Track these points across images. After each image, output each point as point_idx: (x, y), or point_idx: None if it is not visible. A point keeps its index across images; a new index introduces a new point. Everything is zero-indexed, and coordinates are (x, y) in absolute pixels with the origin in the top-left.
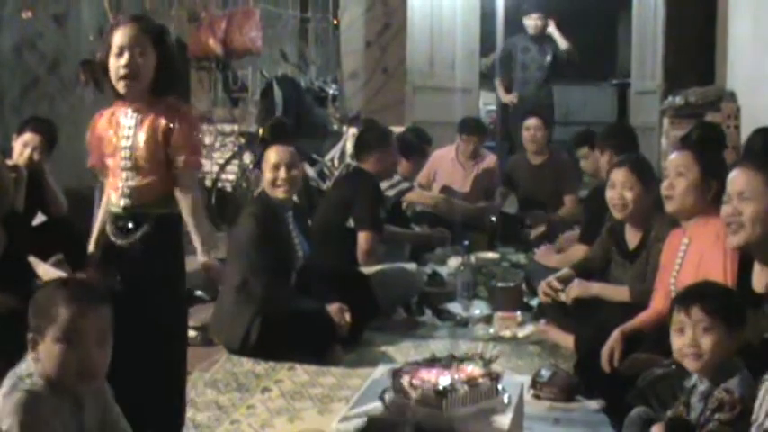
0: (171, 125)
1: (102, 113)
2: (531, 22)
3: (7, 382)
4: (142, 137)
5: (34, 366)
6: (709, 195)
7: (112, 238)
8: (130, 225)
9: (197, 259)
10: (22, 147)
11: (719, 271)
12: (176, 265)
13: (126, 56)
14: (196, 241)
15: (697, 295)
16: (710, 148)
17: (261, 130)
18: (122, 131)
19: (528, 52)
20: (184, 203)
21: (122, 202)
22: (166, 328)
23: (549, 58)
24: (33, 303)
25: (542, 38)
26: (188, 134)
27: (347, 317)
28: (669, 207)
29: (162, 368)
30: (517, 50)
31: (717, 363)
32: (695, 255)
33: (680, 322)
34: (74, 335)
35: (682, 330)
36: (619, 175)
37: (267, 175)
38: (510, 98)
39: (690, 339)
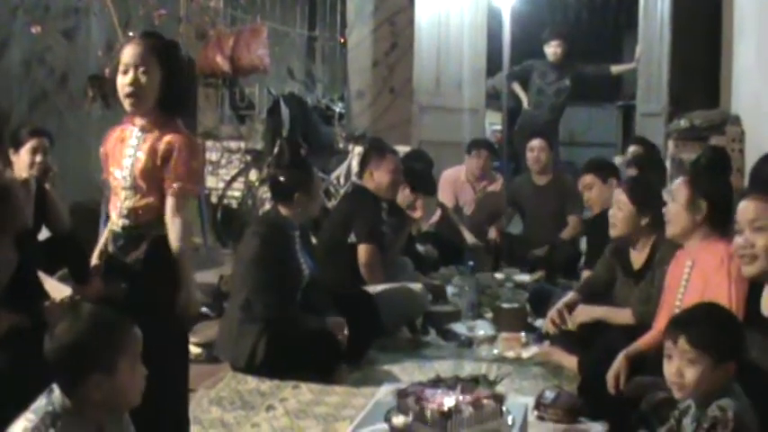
0: (171, 149)
1: (116, 129)
2: (551, 49)
3: (33, 417)
4: (141, 156)
5: (66, 401)
6: (700, 216)
7: (114, 256)
8: (129, 245)
9: (203, 276)
10: (32, 154)
11: (725, 296)
12: (173, 285)
13: (130, 74)
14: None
15: (686, 324)
16: (718, 172)
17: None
18: (126, 150)
19: (545, 77)
20: (172, 229)
21: (121, 222)
22: (164, 348)
23: (567, 83)
24: (74, 344)
25: (561, 65)
26: (187, 161)
27: (345, 331)
28: (667, 233)
29: (165, 386)
30: (536, 74)
31: (704, 390)
32: (699, 279)
33: (668, 349)
34: (140, 356)
35: (670, 357)
36: (616, 194)
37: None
38: (526, 99)
39: (675, 369)
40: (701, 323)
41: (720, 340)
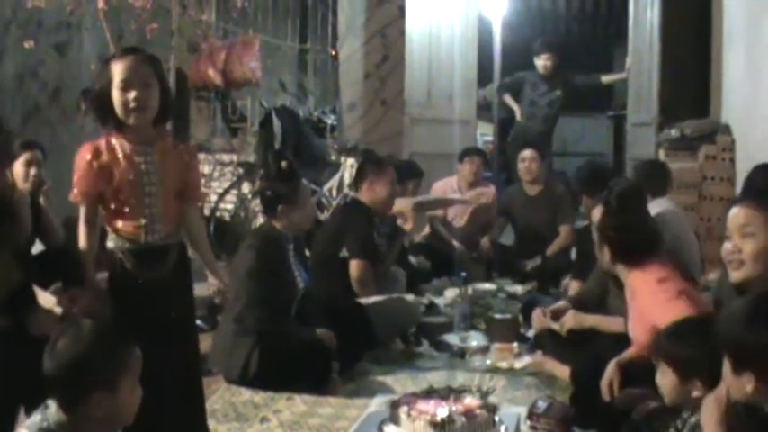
0: (187, 161)
1: (96, 145)
2: (541, 62)
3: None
4: (171, 173)
5: (62, 417)
6: (607, 257)
7: (134, 273)
8: (155, 258)
9: (209, 285)
10: (26, 167)
11: (658, 319)
12: (192, 292)
13: (136, 89)
14: (211, 268)
15: (662, 336)
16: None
17: (285, 163)
18: (139, 166)
19: (536, 89)
20: (200, 235)
21: (149, 238)
22: (192, 355)
23: (558, 94)
24: (79, 361)
25: (552, 76)
26: (198, 171)
27: (333, 343)
28: None
29: (193, 397)
30: (527, 86)
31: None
32: (637, 306)
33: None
34: (138, 375)
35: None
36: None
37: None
38: (519, 110)
39: (658, 376)
40: (669, 338)
41: (681, 355)
